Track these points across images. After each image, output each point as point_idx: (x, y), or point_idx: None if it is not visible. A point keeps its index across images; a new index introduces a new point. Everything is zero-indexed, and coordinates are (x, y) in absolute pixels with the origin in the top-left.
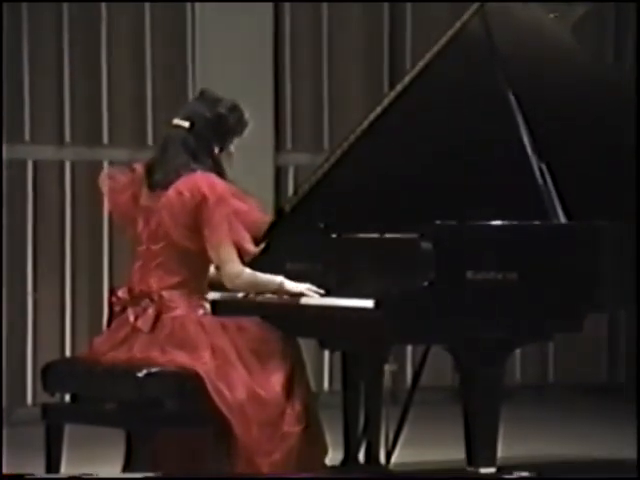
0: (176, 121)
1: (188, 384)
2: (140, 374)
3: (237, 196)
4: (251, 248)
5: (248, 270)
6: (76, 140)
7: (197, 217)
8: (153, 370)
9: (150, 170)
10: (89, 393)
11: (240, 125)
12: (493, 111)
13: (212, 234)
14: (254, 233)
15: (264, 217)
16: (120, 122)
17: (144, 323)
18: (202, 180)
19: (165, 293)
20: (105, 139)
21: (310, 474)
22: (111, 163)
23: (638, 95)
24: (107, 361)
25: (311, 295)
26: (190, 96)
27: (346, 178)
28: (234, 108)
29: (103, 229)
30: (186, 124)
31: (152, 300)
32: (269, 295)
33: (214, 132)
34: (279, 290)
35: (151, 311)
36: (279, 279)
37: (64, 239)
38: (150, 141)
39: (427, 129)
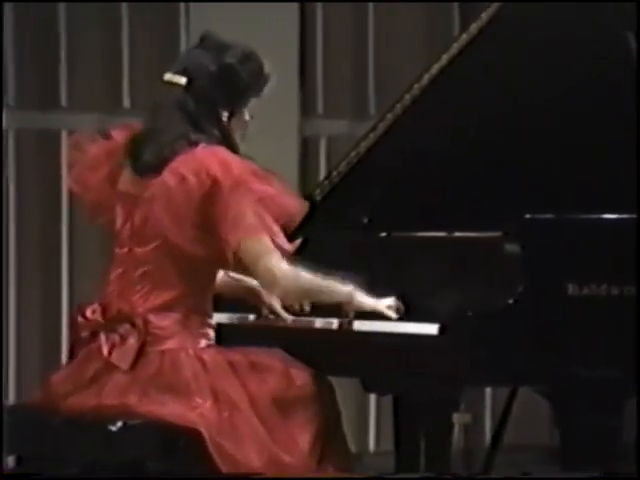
0: (168, 77)
1: (179, 441)
2: (114, 427)
3: (259, 176)
4: (284, 245)
5: (300, 271)
6: (23, 102)
7: (208, 211)
8: (131, 422)
9: (135, 148)
10: (42, 453)
11: (258, 80)
12: (601, 60)
13: (231, 231)
14: (285, 226)
15: (298, 204)
16: (85, 79)
17: (122, 357)
18: (209, 158)
19: (153, 317)
20: (63, 101)
21: (312, 474)
22: (72, 133)
23: (638, 95)
24: (68, 409)
25: (392, 317)
26: (183, 42)
27: (399, 155)
28: (249, 57)
29: (61, 221)
30: (182, 80)
31: (134, 325)
32: (292, 317)
33: (221, 91)
34: (348, 303)
35: (133, 341)
36: (348, 287)
37: (5, 235)
38: (127, 103)
39: (511, 86)
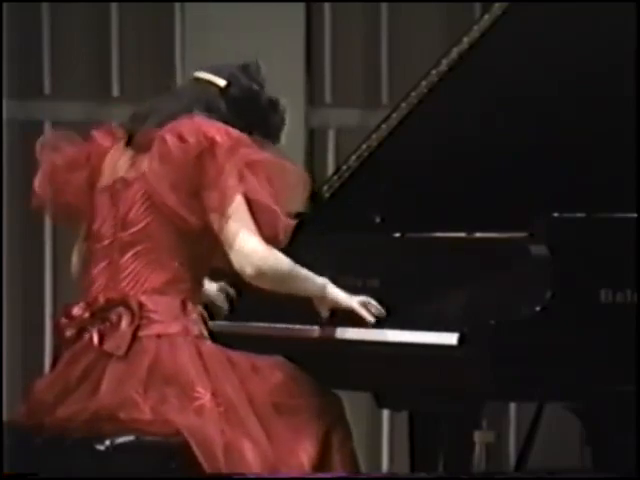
0: (205, 75)
1: (177, 460)
2: (101, 446)
3: (260, 148)
4: (280, 216)
5: (277, 252)
6: (3, 91)
7: (201, 174)
8: (121, 440)
9: (134, 124)
10: (24, 475)
11: (279, 123)
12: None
13: (219, 193)
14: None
15: (298, 173)
16: (71, 65)
17: (116, 344)
18: (208, 123)
19: (146, 299)
20: (47, 89)
21: (313, 474)
22: (56, 124)
23: (638, 94)
24: (56, 422)
25: (365, 316)
26: (177, 24)
27: (414, 149)
28: (276, 103)
29: (45, 218)
30: (222, 82)
31: (128, 307)
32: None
33: (247, 108)
34: (320, 296)
35: (126, 324)
36: (321, 280)
37: None
38: (116, 91)
39: (540, 73)
